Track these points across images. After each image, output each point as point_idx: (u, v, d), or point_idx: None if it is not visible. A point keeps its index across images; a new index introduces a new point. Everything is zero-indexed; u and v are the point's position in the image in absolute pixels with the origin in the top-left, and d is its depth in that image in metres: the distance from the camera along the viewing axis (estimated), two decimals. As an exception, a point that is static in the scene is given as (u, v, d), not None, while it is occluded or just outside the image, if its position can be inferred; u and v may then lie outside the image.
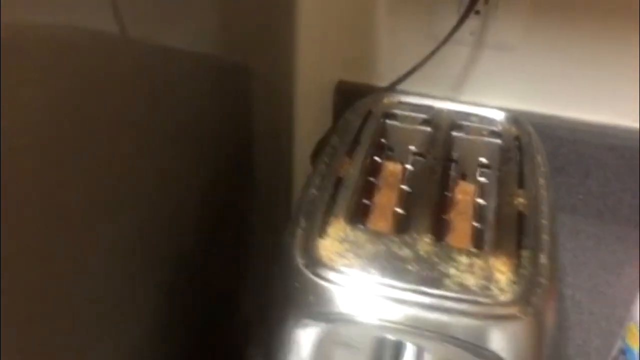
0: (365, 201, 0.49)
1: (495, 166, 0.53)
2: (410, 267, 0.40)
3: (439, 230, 0.45)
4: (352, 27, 0.75)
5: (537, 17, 0.69)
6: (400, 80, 0.67)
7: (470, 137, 0.54)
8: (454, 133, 0.54)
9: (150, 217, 0.51)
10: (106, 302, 0.43)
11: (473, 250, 0.43)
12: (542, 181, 0.47)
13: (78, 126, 0.36)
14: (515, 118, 0.54)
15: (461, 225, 0.48)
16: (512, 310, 0.38)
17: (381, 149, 0.55)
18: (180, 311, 0.57)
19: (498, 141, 0.53)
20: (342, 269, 0.40)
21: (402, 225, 0.47)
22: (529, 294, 0.38)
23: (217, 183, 0.65)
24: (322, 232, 0.43)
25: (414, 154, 0.55)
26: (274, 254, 0.44)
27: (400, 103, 0.57)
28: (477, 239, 0.47)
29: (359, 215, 0.47)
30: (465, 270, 0.40)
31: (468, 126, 0.54)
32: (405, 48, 0.75)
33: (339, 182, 0.47)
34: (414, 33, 0.74)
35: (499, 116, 0.55)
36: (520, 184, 0.47)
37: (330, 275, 0.40)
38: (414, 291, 0.39)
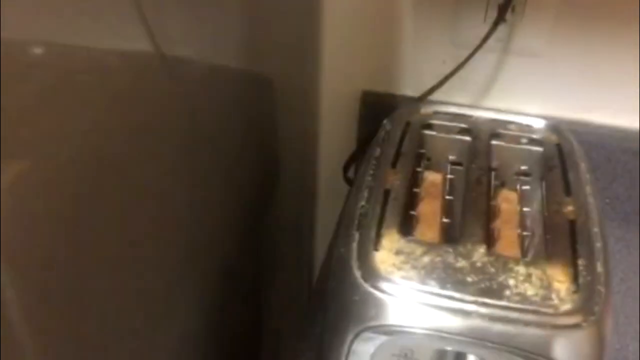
0: (412, 212, 0.49)
1: (537, 174, 0.53)
2: (469, 279, 0.40)
3: (490, 239, 0.45)
4: (376, 38, 0.76)
5: (562, 24, 0.69)
6: (433, 89, 0.68)
7: (511, 145, 0.54)
8: (494, 142, 0.54)
9: (197, 231, 0.51)
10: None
11: (528, 259, 0.43)
12: (588, 189, 0.48)
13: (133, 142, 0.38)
14: (556, 126, 0.54)
15: (508, 234, 0.48)
16: (575, 319, 0.38)
17: (421, 159, 0.55)
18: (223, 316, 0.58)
19: (539, 149, 0.53)
20: (401, 281, 0.40)
21: (451, 236, 0.47)
22: (590, 302, 0.39)
23: (247, 193, 0.66)
24: (376, 245, 0.43)
25: (453, 163, 0.55)
26: (332, 268, 0.44)
27: (437, 113, 0.57)
28: (526, 248, 0.47)
29: (408, 226, 0.47)
30: (524, 280, 0.40)
31: (507, 134, 0.54)
32: (430, 57, 0.75)
33: (387, 194, 0.47)
34: (438, 42, 0.74)
35: (539, 124, 0.55)
36: (567, 192, 0.47)
37: (390, 287, 0.40)
38: (475, 302, 0.39)
